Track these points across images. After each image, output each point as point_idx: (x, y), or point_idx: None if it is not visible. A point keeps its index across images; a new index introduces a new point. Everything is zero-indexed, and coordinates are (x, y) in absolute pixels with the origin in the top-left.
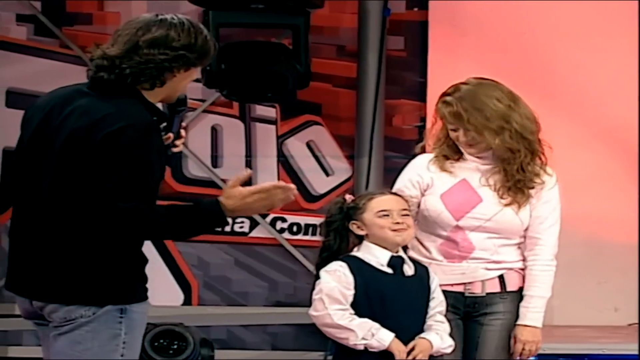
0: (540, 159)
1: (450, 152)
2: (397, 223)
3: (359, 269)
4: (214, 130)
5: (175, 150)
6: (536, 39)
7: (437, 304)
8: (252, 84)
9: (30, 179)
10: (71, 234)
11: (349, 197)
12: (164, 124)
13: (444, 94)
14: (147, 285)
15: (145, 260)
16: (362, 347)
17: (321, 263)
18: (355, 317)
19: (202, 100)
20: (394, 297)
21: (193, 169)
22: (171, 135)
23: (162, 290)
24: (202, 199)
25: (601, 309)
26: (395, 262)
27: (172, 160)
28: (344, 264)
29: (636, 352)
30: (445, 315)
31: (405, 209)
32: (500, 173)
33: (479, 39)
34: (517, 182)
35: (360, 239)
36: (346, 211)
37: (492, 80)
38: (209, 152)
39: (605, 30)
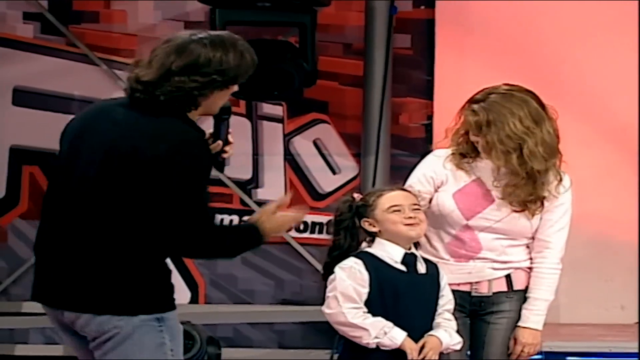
0: (557, 172)
1: (468, 150)
2: (410, 217)
3: (374, 265)
4: None
5: (225, 156)
6: (543, 38)
7: (446, 302)
8: (258, 82)
9: (66, 191)
10: (106, 244)
11: (357, 195)
12: (211, 131)
13: (474, 100)
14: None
15: (170, 270)
16: (374, 346)
17: (331, 262)
18: (368, 315)
19: None
20: (407, 295)
21: None
22: (220, 142)
23: None
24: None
25: (608, 307)
26: (409, 260)
27: (222, 166)
28: (359, 261)
29: None
30: (452, 314)
31: (415, 204)
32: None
33: (485, 37)
34: (525, 200)
35: (372, 236)
36: (356, 209)
37: (526, 93)
38: None
39: (613, 29)
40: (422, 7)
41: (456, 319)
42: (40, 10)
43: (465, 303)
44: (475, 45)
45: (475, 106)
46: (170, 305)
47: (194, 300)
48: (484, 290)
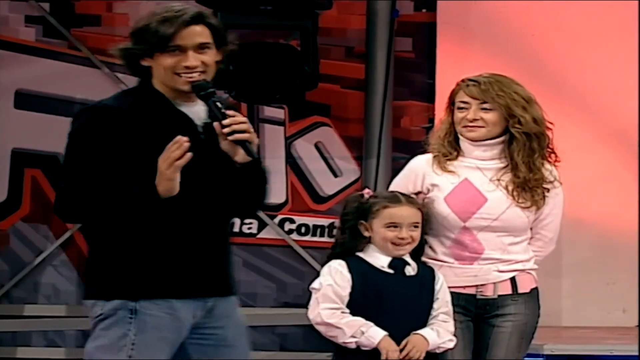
0: (549, 161)
1: (450, 149)
2: (402, 238)
3: (358, 268)
4: None
5: (229, 135)
6: (544, 41)
7: (441, 305)
8: (260, 86)
9: None
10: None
11: (367, 192)
12: (210, 114)
13: (466, 79)
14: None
15: (163, 255)
16: (353, 346)
17: (332, 258)
18: (347, 315)
19: None
20: (390, 296)
21: None
22: (217, 123)
23: None
24: None
25: (610, 310)
26: (396, 263)
27: (245, 148)
28: (343, 263)
29: None
30: (455, 317)
31: (416, 222)
32: (510, 172)
33: (487, 40)
34: (528, 181)
35: (366, 239)
36: (361, 210)
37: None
38: None
39: (614, 33)
40: (424, 10)
41: (460, 322)
42: (42, 14)
43: (471, 306)
44: (476, 48)
45: (471, 82)
46: (144, 293)
47: None
48: (489, 293)
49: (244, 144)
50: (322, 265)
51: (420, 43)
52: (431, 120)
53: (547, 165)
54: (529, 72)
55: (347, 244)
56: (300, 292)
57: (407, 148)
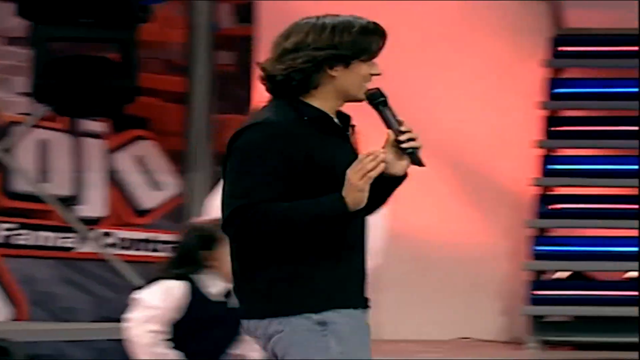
0: None
1: None
2: None
3: (194, 294)
4: (42, 145)
5: (405, 145)
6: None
7: None
8: (80, 99)
9: None
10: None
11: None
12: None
13: None
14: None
15: (335, 266)
16: None
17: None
18: (167, 351)
19: (30, 114)
20: (216, 326)
21: (21, 184)
22: (389, 132)
23: None
24: None
25: (427, 323)
26: (228, 293)
27: (414, 158)
28: (181, 286)
29: None
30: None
31: None
32: None
33: None
34: None
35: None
36: (204, 240)
37: None
38: (37, 167)
39: (438, 43)
40: (243, 24)
41: None
42: None
43: None
44: None
45: None
46: (324, 304)
47: (15, 317)
48: None
49: (414, 152)
50: (146, 280)
51: (241, 56)
52: None
53: None
54: None
55: (184, 270)
56: (120, 306)
57: None
